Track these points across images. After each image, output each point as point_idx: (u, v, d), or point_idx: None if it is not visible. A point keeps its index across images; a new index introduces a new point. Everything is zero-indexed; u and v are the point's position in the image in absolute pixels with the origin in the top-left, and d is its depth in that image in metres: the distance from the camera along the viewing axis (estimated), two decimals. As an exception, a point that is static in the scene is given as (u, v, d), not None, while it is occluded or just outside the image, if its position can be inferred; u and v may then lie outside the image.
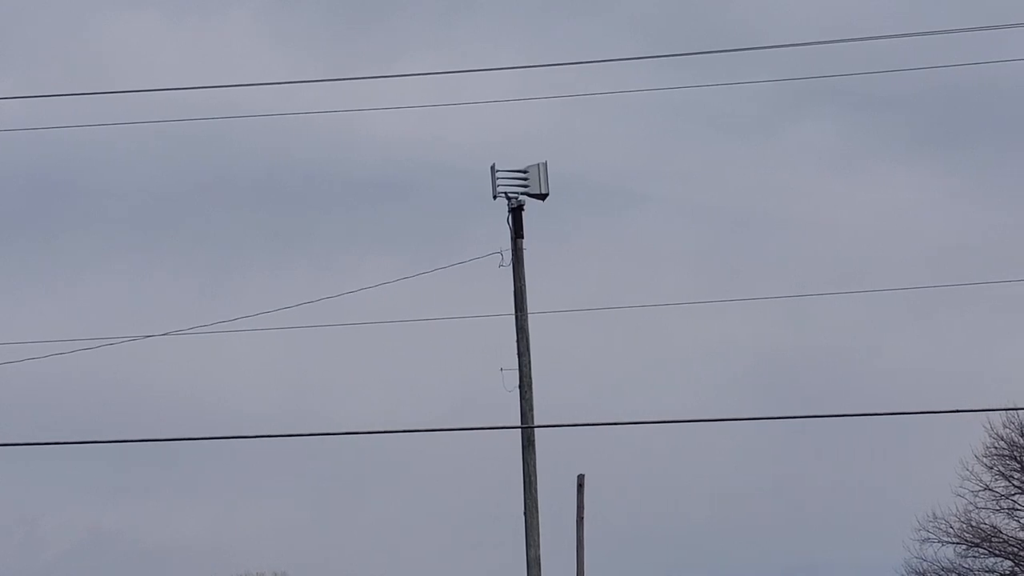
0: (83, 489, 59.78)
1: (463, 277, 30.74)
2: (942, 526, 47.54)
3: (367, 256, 68.80)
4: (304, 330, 34.19)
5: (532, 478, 29.33)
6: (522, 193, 30.19)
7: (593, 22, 76.71)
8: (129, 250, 69.81)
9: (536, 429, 29.24)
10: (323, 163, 72.06)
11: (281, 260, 69.40)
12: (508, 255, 30.13)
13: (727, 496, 56.72)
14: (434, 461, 57.56)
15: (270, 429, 62.74)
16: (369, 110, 38.06)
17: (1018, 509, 47.60)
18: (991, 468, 47.55)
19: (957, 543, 47.53)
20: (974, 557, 47.78)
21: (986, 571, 47.88)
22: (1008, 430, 47.39)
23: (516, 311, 29.99)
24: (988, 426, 47.26)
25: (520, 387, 29.71)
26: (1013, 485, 47.46)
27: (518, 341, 29.93)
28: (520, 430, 29.36)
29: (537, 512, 29.39)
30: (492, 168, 30.18)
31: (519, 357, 29.86)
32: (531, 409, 29.57)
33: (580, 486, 30.16)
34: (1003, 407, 43.06)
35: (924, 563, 47.75)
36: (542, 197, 30.20)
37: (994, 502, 47.52)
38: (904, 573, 47.88)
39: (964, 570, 47.78)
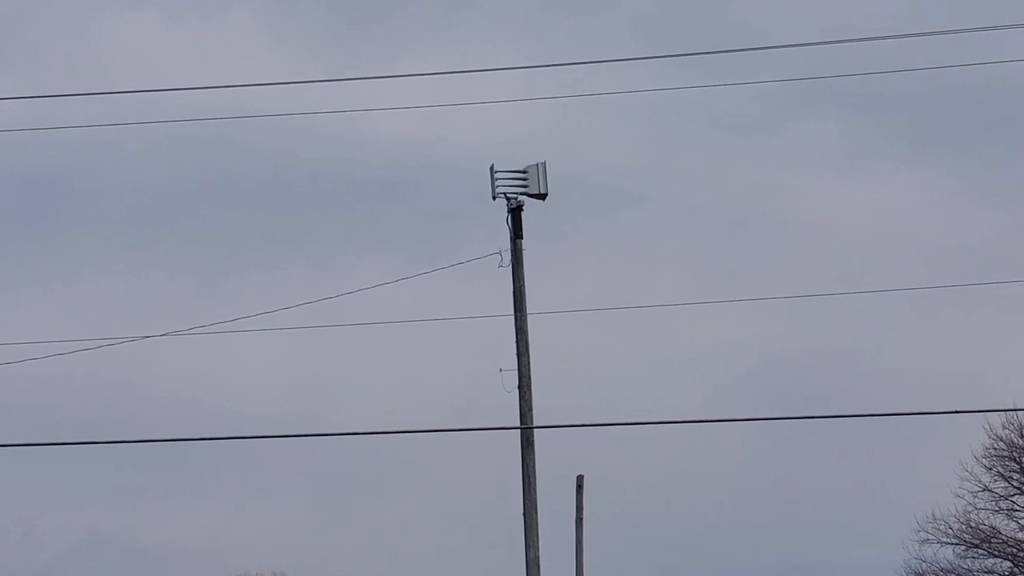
0: (81, 489, 59.76)
1: (463, 277, 30.77)
2: (941, 527, 47.55)
3: (364, 256, 68.85)
4: (304, 330, 34.22)
5: (531, 479, 29.33)
6: (521, 193, 30.20)
7: (593, 22, 76.78)
8: (126, 250, 69.88)
9: (535, 430, 29.25)
10: (327, 163, 72.16)
11: (278, 260, 69.45)
12: (507, 255, 30.15)
13: (726, 496, 56.79)
14: (433, 461, 57.62)
15: (269, 430, 62.79)
16: (373, 110, 38.10)
17: (1017, 510, 47.59)
18: (990, 469, 47.55)
19: (956, 544, 47.52)
20: (973, 558, 47.77)
21: (985, 572, 47.86)
22: (1007, 431, 47.42)
23: (515, 311, 30.00)
24: (987, 427, 47.33)
25: (519, 388, 29.72)
26: (1012, 486, 47.45)
27: (517, 341, 29.93)
28: (519, 431, 29.38)
29: (536, 512, 29.39)
30: (491, 168, 30.19)
31: (518, 358, 29.87)
32: (530, 410, 29.58)
33: (579, 487, 30.17)
34: (1002, 408, 43.09)
35: (923, 564, 47.77)
36: (541, 197, 30.21)
37: (993, 503, 47.53)
38: (903, 574, 47.93)
39: (963, 571, 47.76)
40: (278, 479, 58.92)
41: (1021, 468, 47.36)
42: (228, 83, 27.89)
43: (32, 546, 60.05)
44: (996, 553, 47.76)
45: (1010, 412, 45.24)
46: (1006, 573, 47.62)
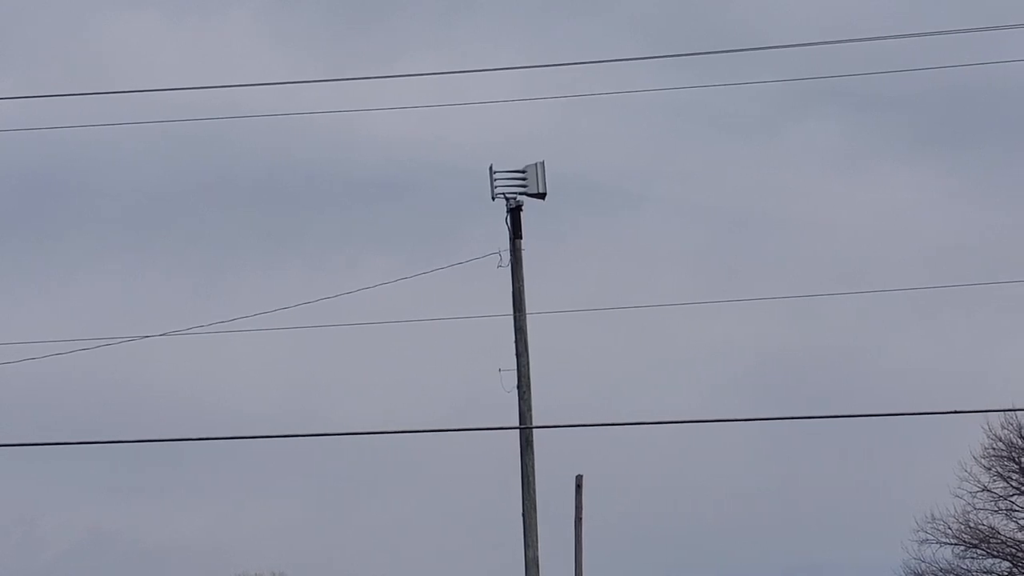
0: (82, 489, 59.76)
1: (462, 277, 30.75)
2: (940, 527, 47.56)
3: (362, 256, 68.80)
4: (302, 330, 34.18)
5: (531, 478, 29.32)
6: (520, 193, 30.18)
7: (593, 22, 76.76)
8: (123, 250, 69.86)
9: (535, 430, 29.24)
10: (324, 163, 72.14)
11: (275, 260, 69.43)
12: (507, 255, 30.13)
13: (726, 496, 56.77)
14: (433, 462, 57.59)
15: (268, 430, 62.72)
16: (371, 110, 38.07)
17: (1016, 510, 47.60)
18: (989, 469, 47.56)
19: (955, 544, 47.53)
20: (972, 558, 47.77)
21: (984, 572, 47.88)
22: (1006, 431, 47.43)
23: (515, 311, 29.98)
24: (987, 427, 47.33)
25: (519, 388, 29.70)
26: (1011, 486, 47.45)
27: (516, 341, 29.91)
28: (519, 431, 29.36)
29: (536, 512, 29.38)
30: (490, 168, 30.18)
31: (518, 357, 29.85)
32: (530, 410, 29.56)
33: (579, 487, 30.16)
34: (1001, 408, 43.08)
35: (922, 564, 47.78)
36: (541, 197, 30.19)
37: (992, 503, 47.54)
38: (903, 574, 47.93)
39: (962, 571, 47.77)
40: (277, 479, 58.94)
41: (1020, 468, 47.37)
42: (226, 83, 27.86)
43: (33, 546, 60.11)
44: (995, 553, 47.77)
45: (1009, 412, 45.26)
46: (1005, 573, 47.63)
